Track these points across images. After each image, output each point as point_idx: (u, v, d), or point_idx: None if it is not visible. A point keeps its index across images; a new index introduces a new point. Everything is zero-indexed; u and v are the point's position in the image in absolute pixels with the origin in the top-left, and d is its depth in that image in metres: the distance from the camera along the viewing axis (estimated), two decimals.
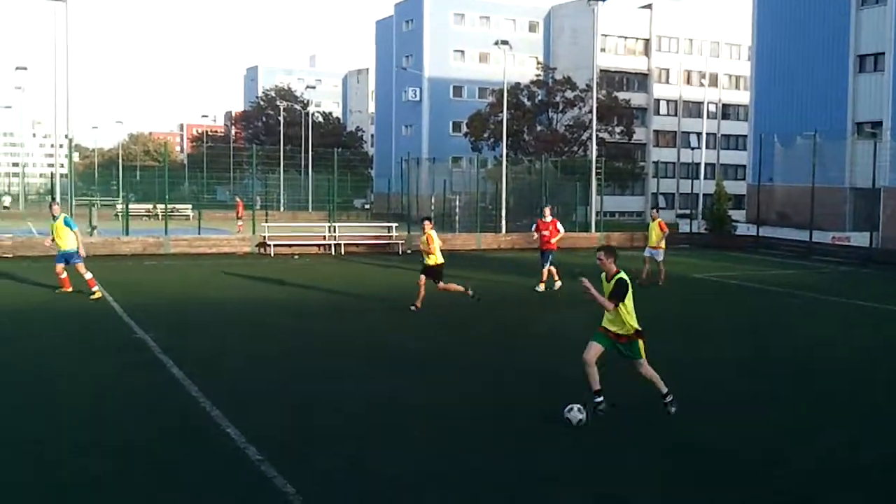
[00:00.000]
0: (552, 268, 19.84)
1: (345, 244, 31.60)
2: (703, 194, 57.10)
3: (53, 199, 25.10)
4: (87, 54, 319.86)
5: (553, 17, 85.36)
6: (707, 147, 76.49)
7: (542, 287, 19.72)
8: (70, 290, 17.89)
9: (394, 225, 34.06)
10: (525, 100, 69.43)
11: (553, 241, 20.08)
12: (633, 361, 9.08)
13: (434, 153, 69.22)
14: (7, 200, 69.73)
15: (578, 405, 8.62)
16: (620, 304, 8.80)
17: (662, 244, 21.77)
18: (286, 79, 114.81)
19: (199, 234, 32.41)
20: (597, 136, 49.08)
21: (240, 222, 41.25)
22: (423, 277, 16.77)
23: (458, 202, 44.86)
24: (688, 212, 54.99)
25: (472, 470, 7.49)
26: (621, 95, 73.11)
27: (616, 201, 71.55)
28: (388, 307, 17.53)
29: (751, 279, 24.70)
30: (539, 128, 71.16)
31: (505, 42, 44.81)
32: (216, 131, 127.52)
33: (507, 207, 40.51)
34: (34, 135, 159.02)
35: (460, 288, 17.10)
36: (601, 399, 8.93)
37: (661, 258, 21.58)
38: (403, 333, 14.58)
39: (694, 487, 7.31)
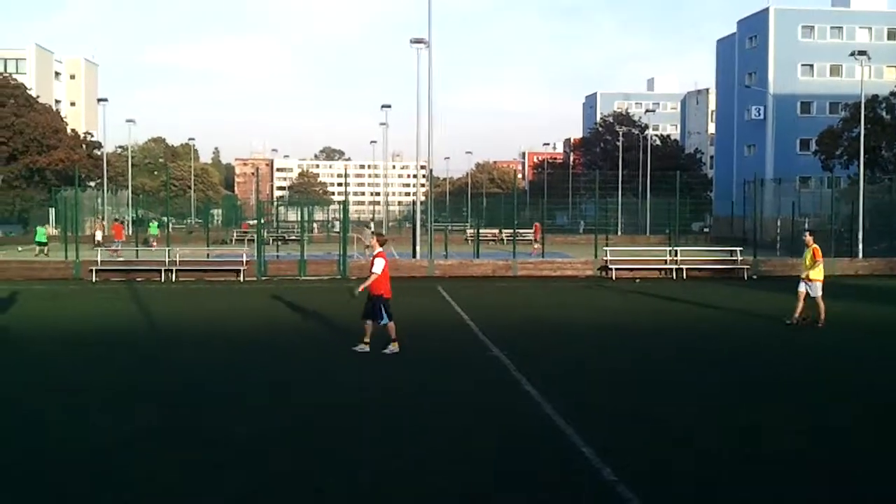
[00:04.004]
0: (391, 323, 14.18)
1: (686, 268, 31.30)
2: None
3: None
4: (440, 88, 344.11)
5: None
6: None
7: (366, 347, 14.14)
8: None
9: (738, 249, 33.13)
10: (884, 113, 63.96)
11: (372, 277, 14.03)
12: None
13: (779, 173, 65.93)
14: (371, 226, 76.95)
15: None
16: None
17: (818, 276, 17.82)
18: (624, 104, 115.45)
19: (542, 257, 33.81)
20: None
21: (536, 244, 41.41)
22: None
23: (807, 225, 42.35)
24: None
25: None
26: None
27: None
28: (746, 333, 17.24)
29: None
30: None
31: (863, 52, 41.83)
32: (555, 158, 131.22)
33: (864, 230, 37.71)
34: (393, 166, 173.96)
35: None
36: None
37: (817, 293, 17.75)
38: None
39: None
